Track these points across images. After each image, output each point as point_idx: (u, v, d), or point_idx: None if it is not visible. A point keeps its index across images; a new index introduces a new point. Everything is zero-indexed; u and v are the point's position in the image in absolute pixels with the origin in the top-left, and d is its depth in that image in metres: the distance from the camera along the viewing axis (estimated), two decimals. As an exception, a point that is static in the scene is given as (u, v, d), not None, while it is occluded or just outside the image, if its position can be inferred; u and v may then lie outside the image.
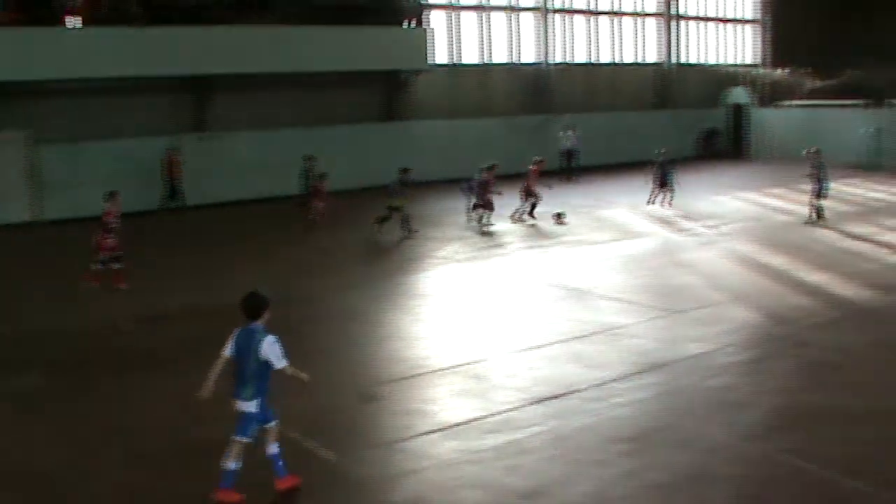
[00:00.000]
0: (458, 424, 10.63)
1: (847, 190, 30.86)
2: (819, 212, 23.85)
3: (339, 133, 31.73)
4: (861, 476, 9.05)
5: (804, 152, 24.77)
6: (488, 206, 24.64)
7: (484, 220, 24.53)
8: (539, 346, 13.67)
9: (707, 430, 10.43)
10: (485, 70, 36.79)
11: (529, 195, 25.72)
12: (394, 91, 33.84)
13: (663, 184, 27.36)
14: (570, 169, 35.17)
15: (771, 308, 15.72)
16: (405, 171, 23.89)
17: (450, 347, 13.74)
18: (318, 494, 9.08)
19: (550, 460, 9.61)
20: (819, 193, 23.84)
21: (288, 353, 8.77)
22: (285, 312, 15.75)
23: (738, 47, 46.05)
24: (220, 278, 18.74)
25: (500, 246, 22.09)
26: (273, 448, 8.96)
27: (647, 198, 27.51)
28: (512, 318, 15.46)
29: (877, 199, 28.25)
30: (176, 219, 28.01)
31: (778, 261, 19.70)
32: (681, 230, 23.68)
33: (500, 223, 25.06)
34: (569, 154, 35.41)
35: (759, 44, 46.36)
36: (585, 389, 11.63)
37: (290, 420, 10.77)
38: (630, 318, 15.07)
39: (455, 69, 35.98)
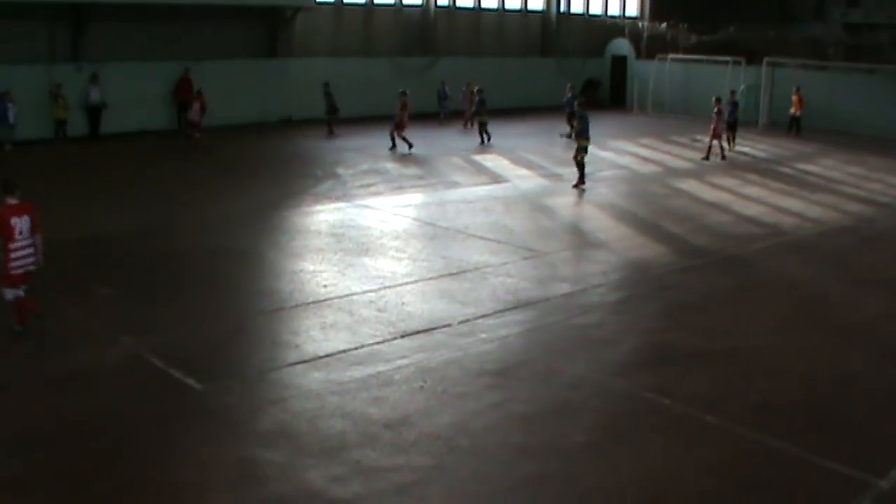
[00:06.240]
0: (325, 356, 10.59)
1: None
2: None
3: (219, 68, 30.72)
4: (715, 411, 9.38)
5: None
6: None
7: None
8: (410, 283, 13.67)
9: (572, 366, 10.64)
10: (369, 10, 36.31)
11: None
12: (276, 27, 33.08)
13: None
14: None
15: (636, 253, 16.07)
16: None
17: (322, 282, 13.59)
18: (181, 422, 8.96)
19: (414, 392, 9.66)
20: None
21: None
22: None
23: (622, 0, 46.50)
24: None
25: (371, 185, 21.77)
26: None
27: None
28: (383, 255, 15.33)
29: (744, 153, 28.97)
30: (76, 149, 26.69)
31: (644, 209, 20.12)
32: (551, 176, 23.86)
33: (380, 162, 24.91)
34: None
35: (642, -2, 46.97)
36: (453, 325, 11.71)
37: (158, 349, 10.65)
38: (500, 257, 15.17)
39: (339, 8, 35.39)
